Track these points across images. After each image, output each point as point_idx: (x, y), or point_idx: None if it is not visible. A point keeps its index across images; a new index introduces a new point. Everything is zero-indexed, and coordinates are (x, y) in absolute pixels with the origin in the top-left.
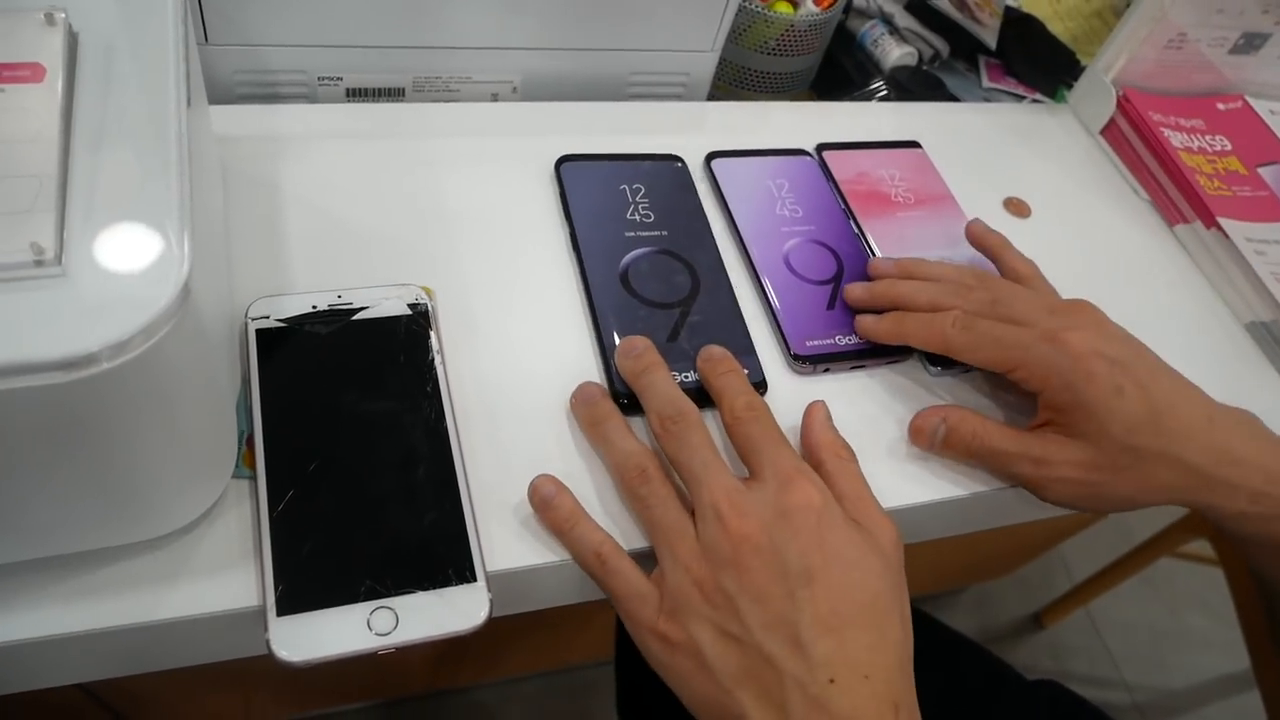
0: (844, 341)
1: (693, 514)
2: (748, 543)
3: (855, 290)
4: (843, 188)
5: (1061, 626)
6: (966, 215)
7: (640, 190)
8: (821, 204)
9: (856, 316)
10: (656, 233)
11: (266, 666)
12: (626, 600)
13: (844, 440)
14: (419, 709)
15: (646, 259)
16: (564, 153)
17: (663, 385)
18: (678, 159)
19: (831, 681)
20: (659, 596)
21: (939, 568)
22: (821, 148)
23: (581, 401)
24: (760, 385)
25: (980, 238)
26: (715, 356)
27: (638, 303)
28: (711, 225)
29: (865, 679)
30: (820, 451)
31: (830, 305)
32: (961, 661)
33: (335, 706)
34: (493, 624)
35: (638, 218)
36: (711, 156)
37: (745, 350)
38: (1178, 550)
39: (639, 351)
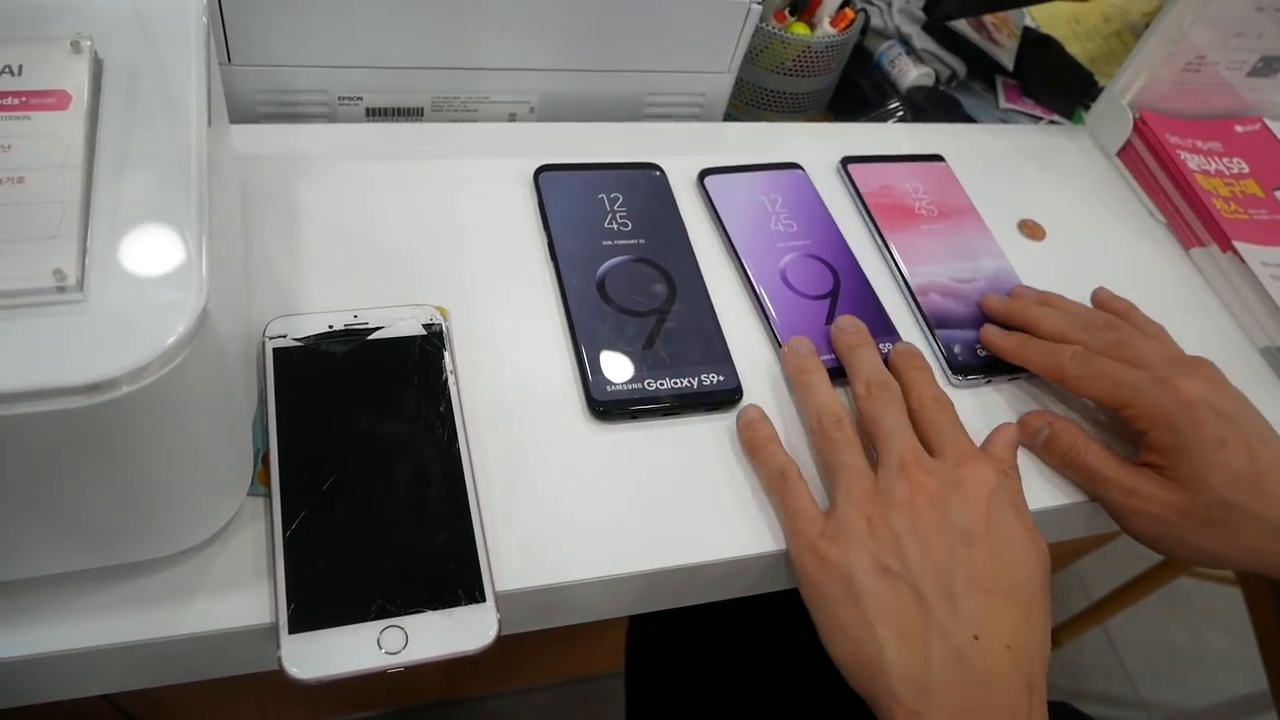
0: None
1: (875, 469)
2: (923, 491)
3: (993, 301)
4: (867, 200)
5: (1078, 645)
6: (990, 228)
7: (619, 199)
8: (815, 217)
9: (984, 326)
10: (634, 241)
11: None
12: (795, 516)
13: (1015, 461)
14: (433, 717)
15: (623, 267)
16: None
17: (872, 359)
18: (656, 167)
19: (975, 638)
20: (825, 522)
21: None
22: (846, 160)
23: (793, 351)
24: (735, 393)
25: (1108, 303)
26: (908, 351)
27: (614, 310)
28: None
29: (1007, 649)
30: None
31: (828, 320)
32: None
33: (351, 714)
34: (507, 634)
35: (615, 226)
36: (705, 174)
37: (721, 358)
38: (1196, 569)
39: (855, 328)
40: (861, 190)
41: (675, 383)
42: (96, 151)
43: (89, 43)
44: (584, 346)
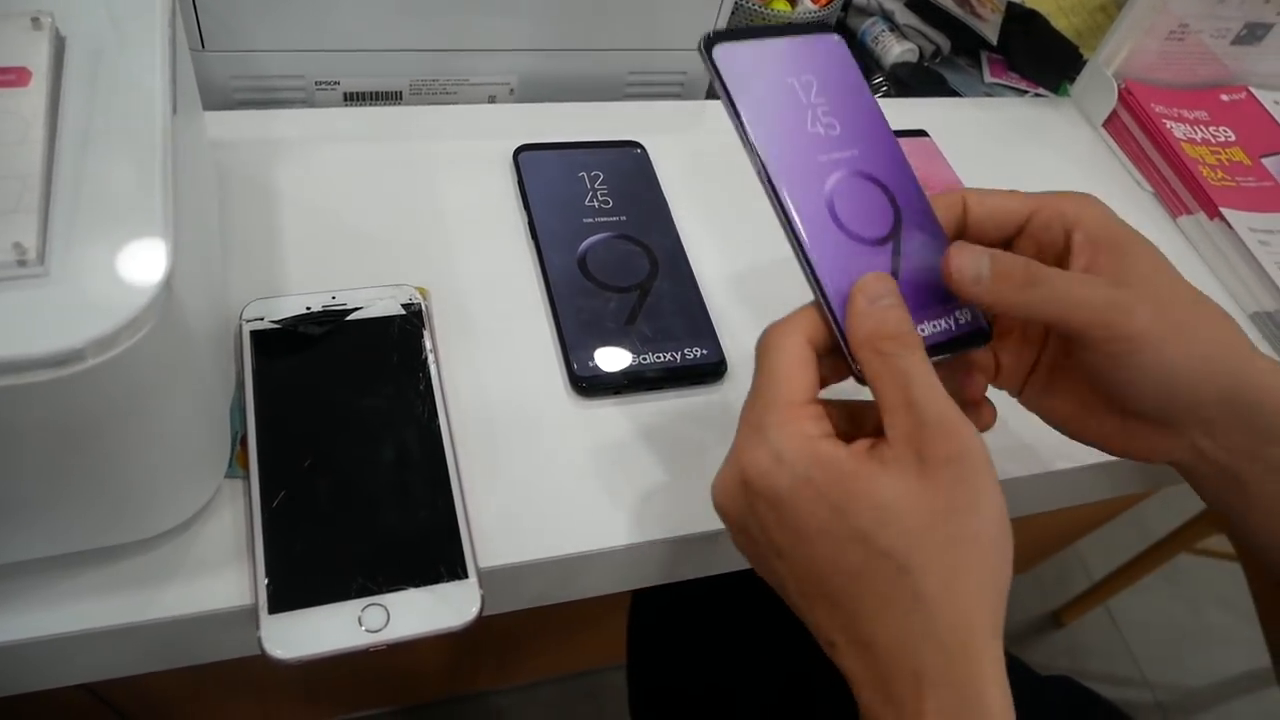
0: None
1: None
2: (728, 520)
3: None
4: None
5: (1080, 625)
6: None
7: (599, 177)
8: (859, 107)
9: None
10: (615, 218)
11: (283, 674)
12: None
13: (897, 327)
14: (436, 715)
15: (604, 244)
16: None
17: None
18: (637, 145)
19: (831, 644)
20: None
21: None
22: None
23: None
24: (719, 366)
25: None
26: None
27: (596, 287)
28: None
29: (867, 648)
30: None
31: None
32: None
33: (353, 713)
34: (507, 628)
35: (596, 204)
36: (712, 41)
37: (704, 332)
38: (1196, 546)
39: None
40: None
41: (658, 357)
42: (58, 128)
43: (50, 19)
44: (565, 323)
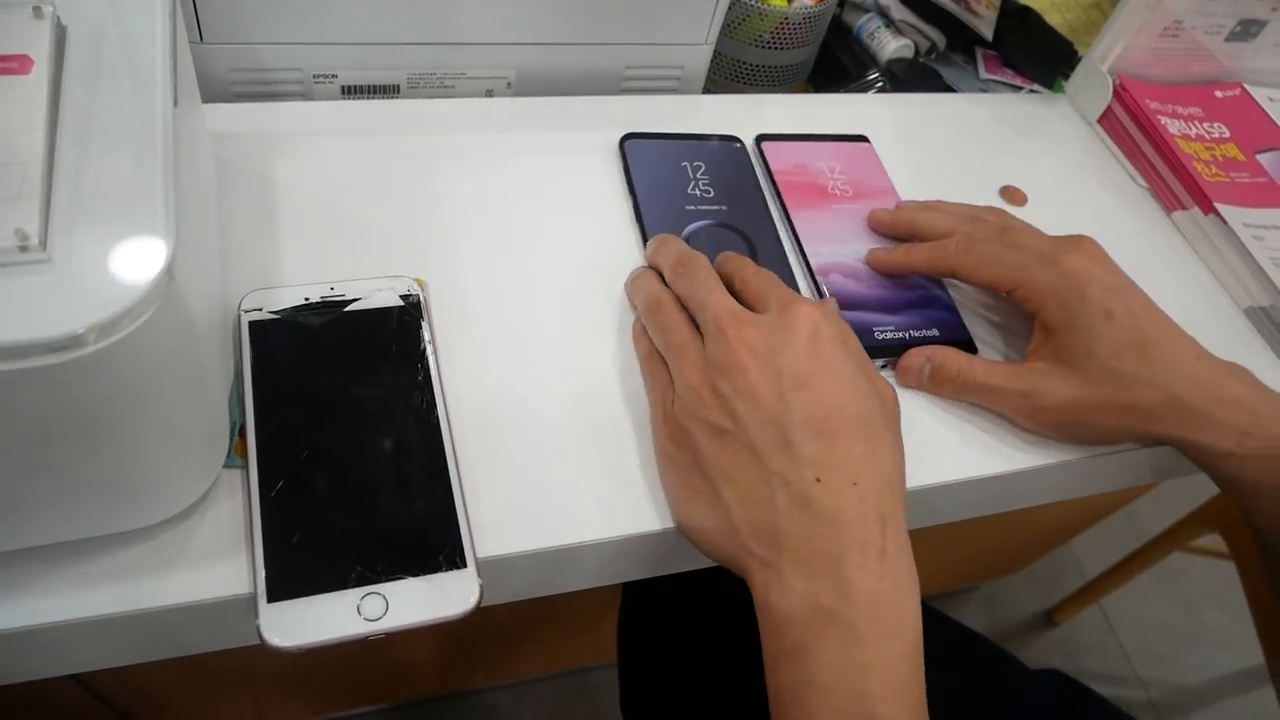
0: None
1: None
2: (745, 346)
3: (878, 213)
4: (776, 178)
5: (1074, 624)
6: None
7: (700, 167)
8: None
9: (870, 251)
10: (716, 207)
11: (277, 669)
12: (657, 393)
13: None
14: (431, 712)
15: (705, 230)
16: (564, 147)
17: (674, 244)
18: (737, 140)
19: (818, 480)
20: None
21: (948, 564)
22: (761, 138)
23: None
24: None
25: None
26: (726, 254)
27: None
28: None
29: (853, 485)
30: None
31: None
32: (965, 651)
33: (347, 710)
34: (500, 625)
35: (698, 193)
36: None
37: None
38: (1190, 545)
39: (655, 240)
40: (772, 167)
41: None
42: (60, 115)
43: (51, 8)
44: None
